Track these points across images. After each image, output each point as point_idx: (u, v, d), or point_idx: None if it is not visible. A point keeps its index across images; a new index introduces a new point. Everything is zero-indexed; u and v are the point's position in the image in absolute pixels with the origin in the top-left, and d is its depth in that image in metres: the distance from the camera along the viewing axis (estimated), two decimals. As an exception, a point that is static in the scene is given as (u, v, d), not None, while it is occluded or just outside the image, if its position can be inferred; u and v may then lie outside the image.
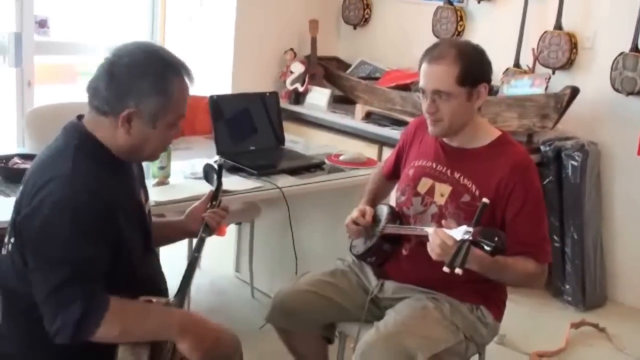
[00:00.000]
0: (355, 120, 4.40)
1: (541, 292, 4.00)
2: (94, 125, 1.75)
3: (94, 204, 1.64)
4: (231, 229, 3.96)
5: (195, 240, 2.13)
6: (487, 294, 2.26)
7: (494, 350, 3.24)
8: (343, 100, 4.74)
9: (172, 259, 2.72)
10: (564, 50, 3.97)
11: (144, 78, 1.70)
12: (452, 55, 2.10)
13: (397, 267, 2.31)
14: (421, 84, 2.17)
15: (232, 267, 3.91)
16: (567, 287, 3.93)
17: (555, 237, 3.95)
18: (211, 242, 3.97)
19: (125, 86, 1.69)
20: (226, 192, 2.61)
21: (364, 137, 4.29)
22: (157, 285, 1.92)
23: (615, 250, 4.06)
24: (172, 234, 2.20)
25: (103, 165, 1.74)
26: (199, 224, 2.12)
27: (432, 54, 2.13)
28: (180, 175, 2.80)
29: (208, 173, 2.37)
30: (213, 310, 3.54)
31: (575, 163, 3.81)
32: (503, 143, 2.21)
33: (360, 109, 4.42)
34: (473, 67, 2.13)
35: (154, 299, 1.78)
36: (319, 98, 4.71)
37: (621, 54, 3.75)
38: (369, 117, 4.37)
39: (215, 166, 2.33)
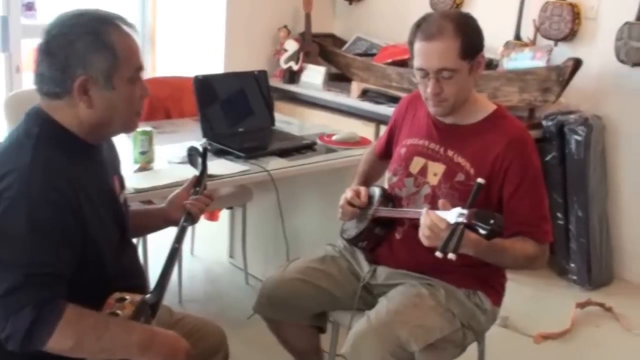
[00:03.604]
0: (351, 99, 4.28)
1: (545, 271, 3.89)
2: (52, 112, 1.63)
3: (53, 201, 1.52)
4: (224, 214, 3.87)
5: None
6: (485, 279, 2.15)
7: (496, 333, 3.13)
8: (339, 78, 4.62)
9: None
10: (566, 21, 3.82)
11: (79, 40, 1.57)
12: (451, 29, 1.97)
13: (389, 251, 2.20)
14: (420, 64, 2.02)
15: (226, 253, 3.80)
16: (572, 265, 3.82)
17: (559, 215, 3.83)
18: (205, 227, 3.95)
19: (66, 56, 1.57)
20: (212, 176, 2.50)
21: (360, 116, 4.18)
22: (133, 280, 1.79)
23: (621, 226, 3.94)
24: (153, 223, 2.07)
25: (68, 153, 1.61)
26: (181, 212, 1.98)
27: (428, 31, 1.99)
28: (165, 160, 2.69)
29: (192, 157, 2.24)
30: (207, 298, 3.46)
31: (578, 138, 3.67)
32: (498, 117, 2.09)
33: (356, 87, 4.29)
34: (472, 38, 2.02)
35: (128, 296, 1.66)
36: (314, 76, 4.58)
37: (626, 23, 3.61)
38: (365, 95, 4.24)
39: (200, 149, 2.20)
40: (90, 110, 1.61)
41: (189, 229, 3.67)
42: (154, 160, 2.61)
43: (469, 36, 1.98)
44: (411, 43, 2.04)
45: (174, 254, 1.84)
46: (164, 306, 2.02)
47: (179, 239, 1.89)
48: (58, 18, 1.63)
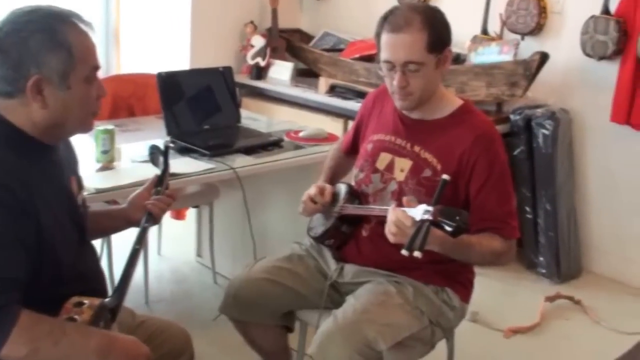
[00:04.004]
0: (318, 94, 4.24)
1: (514, 265, 3.90)
2: (5, 111, 1.57)
3: (5, 202, 1.46)
4: (191, 212, 3.81)
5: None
6: (453, 275, 2.13)
7: (466, 328, 3.12)
8: (307, 74, 4.58)
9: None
10: (532, 15, 3.82)
11: (33, 38, 1.51)
12: (418, 21, 1.94)
13: (356, 249, 2.17)
14: (387, 56, 1.99)
15: (194, 252, 3.75)
16: (541, 259, 3.82)
17: (528, 209, 3.84)
18: (172, 226, 3.89)
19: (18, 54, 1.51)
20: (175, 175, 2.46)
21: (328, 112, 4.14)
22: (92, 284, 1.73)
23: (589, 219, 3.96)
24: (113, 224, 2.01)
25: (21, 153, 1.55)
26: (142, 212, 1.93)
27: (395, 23, 1.96)
28: (128, 159, 2.63)
29: (154, 155, 2.19)
30: (174, 298, 3.40)
31: (546, 132, 3.68)
32: (465, 112, 2.07)
33: (323, 83, 4.26)
34: (440, 31, 1.99)
35: (86, 300, 1.61)
36: (281, 72, 4.54)
37: (592, 17, 3.62)
38: (333, 90, 4.21)
39: (162, 147, 2.15)
40: (44, 110, 1.56)
41: (156, 229, 3.69)
42: (116, 159, 2.55)
43: (436, 29, 1.95)
44: (378, 35, 2.01)
45: (135, 256, 1.79)
46: (126, 309, 1.98)
47: (139, 240, 1.84)
48: (10, 14, 1.57)
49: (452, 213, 1.69)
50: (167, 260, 3.77)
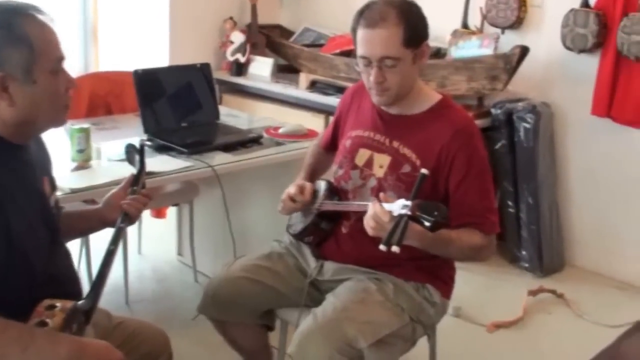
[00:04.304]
0: (299, 90, 4.22)
1: (497, 259, 3.89)
2: None
3: None
4: (172, 211, 3.78)
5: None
6: (434, 271, 2.12)
7: (449, 323, 3.11)
8: (287, 70, 4.54)
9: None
10: (512, 8, 3.81)
11: None
12: (394, 15, 1.92)
13: (336, 246, 2.15)
14: (363, 52, 1.97)
15: (175, 251, 3.71)
16: (524, 253, 3.82)
17: (510, 203, 3.83)
18: (152, 225, 3.85)
19: None
20: (153, 174, 2.43)
21: (309, 108, 4.12)
22: (65, 286, 1.70)
23: (571, 212, 3.96)
24: (88, 225, 1.97)
25: None
26: (118, 212, 1.89)
27: (370, 18, 1.94)
28: (105, 158, 2.60)
29: (130, 154, 2.15)
30: (155, 298, 3.37)
31: (527, 125, 3.67)
32: (444, 107, 2.05)
33: (304, 78, 4.23)
34: (416, 25, 1.97)
35: (59, 303, 1.57)
36: (261, 68, 4.51)
37: (571, 10, 3.61)
38: (313, 86, 4.18)
39: (138, 146, 2.12)
40: (12, 108, 1.52)
41: (136, 227, 3.65)
42: (91, 158, 2.51)
43: (412, 24, 1.93)
44: (354, 31, 1.98)
45: (110, 257, 1.75)
46: (102, 311, 1.95)
47: (115, 240, 1.80)
48: None
49: (431, 208, 1.67)
50: (147, 259, 3.73)
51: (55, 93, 1.59)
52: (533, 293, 3.52)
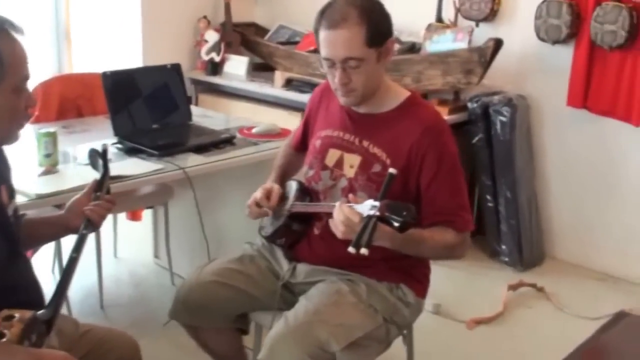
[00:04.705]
0: (275, 89, 4.18)
1: (477, 254, 3.88)
2: None
3: None
4: (147, 213, 3.73)
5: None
6: (408, 271, 2.08)
7: (428, 321, 3.11)
8: (263, 68, 4.51)
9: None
10: (486, 1, 3.79)
11: None
12: (355, 15, 1.88)
13: (309, 248, 2.11)
14: (326, 53, 1.93)
15: (151, 254, 3.67)
16: (504, 247, 3.81)
17: (489, 197, 3.82)
18: (128, 228, 3.80)
19: None
20: (121, 177, 2.39)
21: (285, 106, 4.09)
22: (25, 295, 1.65)
23: (550, 205, 3.95)
24: (51, 232, 1.93)
25: None
26: (81, 218, 1.85)
27: (331, 19, 1.90)
28: (73, 162, 2.55)
29: (93, 158, 2.11)
30: (131, 302, 3.33)
31: (503, 119, 3.65)
32: (413, 104, 2.02)
33: (279, 76, 4.19)
34: (379, 24, 1.92)
35: (17, 314, 1.53)
36: (237, 67, 4.46)
37: (544, 1, 3.59)
38: (289, 84, 4.14)
39: (100, 150, 2.07)
40: None
41: (111, 230, 3.60)
42: (59, 162, 2.46)
43: (374, 22, 1.89)
44: (316, 31, 1.95)
45: (72, 265, 1.71)
46: (69, 319, 1.92)
47: (77, 248, 1.76)
48: None
49: (400, 208, 1.64)
50: (124, 262, 3.68)
51: (14, 111, 1.56)
52: (513, 287, 3.51)
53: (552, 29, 3.57)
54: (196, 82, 4.57)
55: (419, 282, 2.12)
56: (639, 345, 2.37)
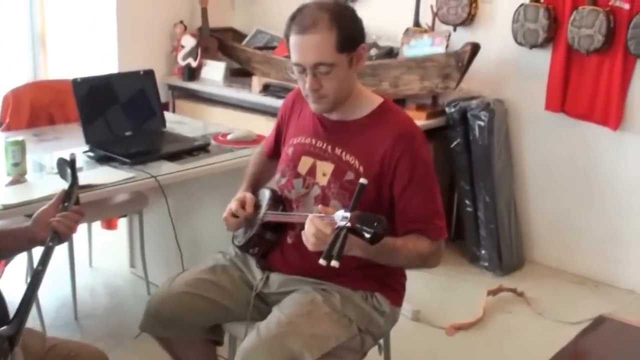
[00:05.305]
0: (252, 94, 4.15)
1: (457, 259, 3.87)
2: None
3: None
4: (123, 222, 3.68)
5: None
6: (383, 279, 2.05)
7: (408, 328, 3.09)
8: (240, 73, 4.47)
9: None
10: (463, 5, 3.78)
11: None
12: (326, 20, 1.84)
13: (282, 257, 2.07)
14: (296, 59, 1.89)
15: (127, 263, 3.61)
16: (483, 252, 3.79)
17: (468, 202, 3.80)
18: (103, 237, 3.75)
19: None
20: (91, 186, 2.34)
21: (263, 111, 4.06)
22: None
23: (529, 209, 3.94)
24: (17, 245, 1.87)
25: None
26: (48, 230, 1.80)
27: (302, 24, 1.86)
28: (43, 171, 2.50)
29: (61, 168, 2.07)
30: (106, 312, 3.28)
31: (482, 123, 3.63)
32: (385, 111, 1.98)
33: (257, 82, 4.16)
34: (350, 29, 1.89)
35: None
36: (214, 72, 4.43)
37: (521, 5, 3.59)
38: (267, 89, 4.11)
39: (68, 159, 2.02)
40: None
41: (86, 240, 3.54)
42: (27, 171, 2.41)
43: (345, 27, 1.86)
44: (287, 37, 1.91)
45: (37, 279, 1.67)
46: (36, 333, 1.88)
47: (43, 261, 1.71)
48: None
49: (371, 219, 1.61)
50: (99, 272, 3.63)
51: None
52: (493, 292, 3.49)
53: (530, 33, 3.56)
54: (173, 88, 4.52)
55: (395, 291, 2.09)
56: (619, 350, 2.36)
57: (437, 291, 3.52)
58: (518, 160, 3.89)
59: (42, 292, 1.73)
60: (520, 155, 3.88)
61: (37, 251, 1.80)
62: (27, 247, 1.88)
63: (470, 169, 3.75)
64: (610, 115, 3.49)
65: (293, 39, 1.88)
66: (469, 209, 3.80)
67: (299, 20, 1.87)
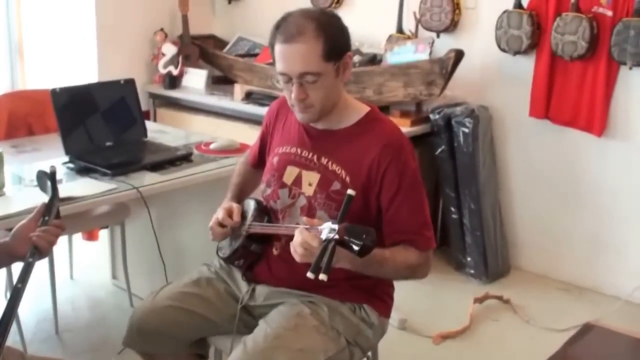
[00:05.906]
0: (234, 102, 4.11)
1: (443, 267, 3.84)
2: None
3: None
4: (104, 233, 3.62)
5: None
6: (371, 291, 2.01)
7: (394, 337, 3.05)
8: (222, 81, 4.44)
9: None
10: (446, 11, 3.77)
11: None
12: (312, 29, 1.81)
13: (268, 269, 2.04)
14: (282, 68, 1.86)
15: (109, 275, 3.55)
16: (469, 259, 3.77)
17: (453, 209, 3.78)
18: (85, 248, 3.69)
19: None
20: (71, 199, 2.29)
21: (245, 119, 4.02)
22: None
23: (514, 216, 3.93)
24: None
25: None
26: (27, 245, 1.75)
27: (287, 32, 1.83)
28: (21, 184, 2.45)
29: (41, 180, 2.02)
30: (88, 325, 3.21)
31: (466, 130, 3.62)
32: (372, 120, 1.95)
33: (239, 89, 4.12)
34: (336, 38, 1.86)
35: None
36: (195, 80, 4.39)
37: (505, 12, 3.59)
38: (249, 97, 4.07)
39: (48, 172, 1.97)
40: None
41: (66, 252, 3.48)
42: (4, 184, 2.35)
43: (332, 36, 1.83)
44: (272, 46, 1.88)
45: (17, 296, 1.63)
46: (14, 351, 1.83)
47: (23, 278, 1.67)
48: None
49: (359, 232, 1.58)
50: (81, 284, 3.57)
51: None
52: (479, 300, 3.47)
53: (513, 40, 3.55)
54: (154, 96, 4.48)
55: (383, 302, 2.06)
56: (606, 358, 2.35)
57: (423, 299, 3.49)
58: (503, 166, 3.88)
59: (22, 306, 1.67)
60: (505, 161, 3.87)
61: (17, 266, 1.76)
62: (6, 263, 1.84)
63: (455, 175, 3.73)
64: (594, 121, 3.48)
65: (278, 47, 1.84)
66: (454, 215, 3.78)
67: (284, 29, 1.83)
